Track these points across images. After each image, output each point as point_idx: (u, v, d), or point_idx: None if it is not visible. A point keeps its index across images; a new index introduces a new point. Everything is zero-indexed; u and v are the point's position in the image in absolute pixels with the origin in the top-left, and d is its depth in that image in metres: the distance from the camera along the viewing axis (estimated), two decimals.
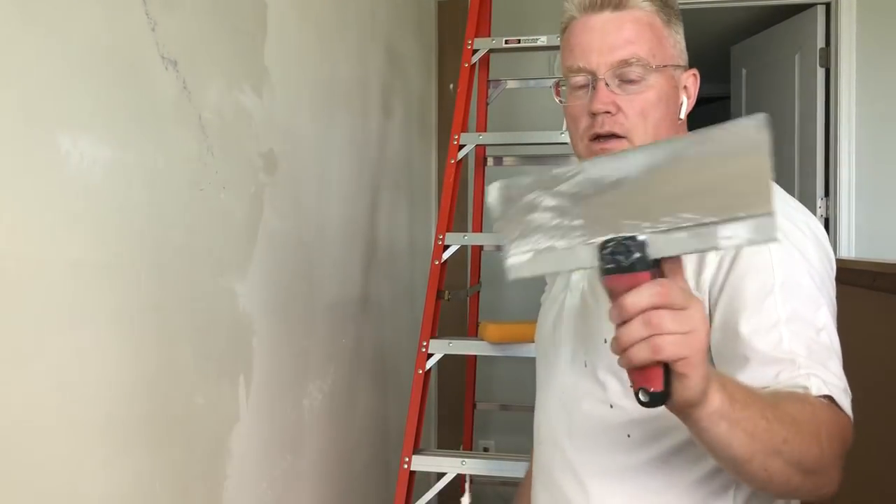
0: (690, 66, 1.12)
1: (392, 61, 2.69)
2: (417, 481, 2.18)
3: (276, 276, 1.75)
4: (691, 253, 0.71)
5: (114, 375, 1.20)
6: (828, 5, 3.40)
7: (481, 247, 2.71)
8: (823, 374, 0.90)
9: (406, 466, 2.09)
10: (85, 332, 1.14)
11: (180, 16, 1.37)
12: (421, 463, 2.10)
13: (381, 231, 2.55)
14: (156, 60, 1.31)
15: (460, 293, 2.70)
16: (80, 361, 1.13)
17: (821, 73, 3.43)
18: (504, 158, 2.86)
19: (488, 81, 2.64)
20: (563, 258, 0.77)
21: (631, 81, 1.04)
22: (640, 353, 0.70)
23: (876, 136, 3.27)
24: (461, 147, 2.30)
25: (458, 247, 2.24)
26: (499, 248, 2.82)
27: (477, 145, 2.46)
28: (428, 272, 2.26)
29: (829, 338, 0.95)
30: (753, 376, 0.91)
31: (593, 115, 1.05)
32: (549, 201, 0.78)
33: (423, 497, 2.12)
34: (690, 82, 1.11)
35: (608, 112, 1.04)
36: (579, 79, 1.07)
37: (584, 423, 1.07)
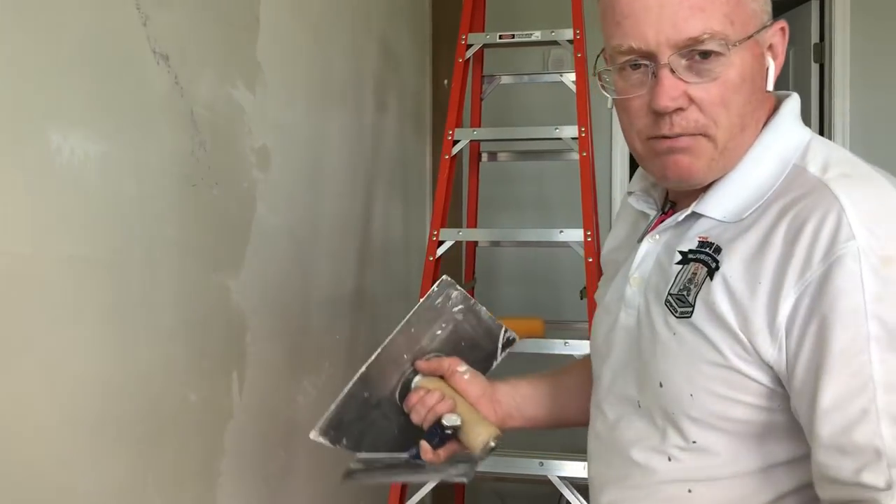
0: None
1: (386, 56, 2.68)
2: None
3: (270, 272, 1.74)
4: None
5: (106, 372, 1.20)
6: (822, 0, 3.40)
7: (476, 242, 2.71)
8: None
9: None
10: (76, 328, 1.13)
11: (172, 10, 1.36)
12: None
13: (375, 227, 2.54)
14: (147, 55, 1.30)
15: None
16: (71, 358, 1.12)
17: (815, 68, 3.43)
18: (498, 154, 2.86)
19: (482, 77, 2.64)
20: None
21: (704, 57, 0.79)
22: None
23: (870, 132, 3.28)
24: (455, 142, 2.29)
25: (452, 242, 2.24)
26: (494, 243, 2.82)
27: (471, 141, 2.45)
28: (422, 268, 2.25)
29: None
30: (827, 464, 0.74)
31: (658, 113, 0.80)
32: None
33: (418, 493, 2.12)
34: (777, 39, 0.85)
35: (679, 109, 0.80)
36: (632, 59, 0.81)
37: (637, 474, 0.87)
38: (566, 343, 2.07)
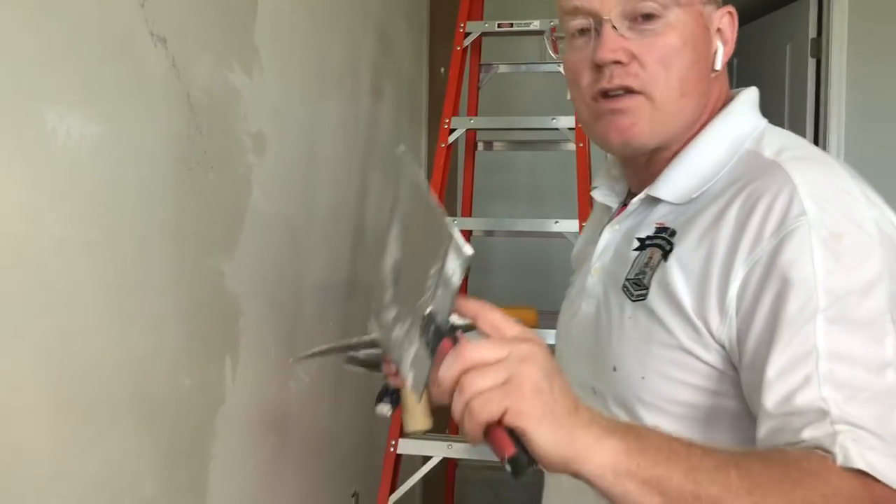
0: None
1: (383, 44, 2.67)
2: (403, 464, 2.18)
3: (264, 257, 1.74)
4: (450, 301, 0.64)
5: (99, 355, 1.19)
6: None
7: (470, 232, 2.71)
8: (866, 433, 0.67)
9: (392, 449, 2.10)
10: (70, 311, 1.13)
11: None
12: (407, 446, 2.11)
13: (369, 214, 2.54)
14: (145, 37, 1.29)
15: None
16: (64, 341, 1.12)
17: (812, 63, 3.44)
18: (494, 143, 2.85)
19: (480, 65, 2.63)
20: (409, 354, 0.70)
21: (646, 19, 0.83)
22: (467, 424, 0.61)
23: (866, 128, 3.29)
24: (452, 131, 2.29)
25: None
26: (488, 233, 2.82)
27: (468, 129, 2.45)
28: None
29: None
30: (772, 427, 0.73)
31: (599, 67, 0.84)
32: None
33: (410, 480, 2.12)
34: (726, 23, 0.88)
35: (618, 62, 0.83)
36: (578, 22, 0.85)
37: None
38: None
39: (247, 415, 1.67)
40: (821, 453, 0.68)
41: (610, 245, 0.92)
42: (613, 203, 0.98)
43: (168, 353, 1.38)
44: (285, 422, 1.89)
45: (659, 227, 0.85)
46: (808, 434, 0.69)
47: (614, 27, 0.82)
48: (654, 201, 0.88)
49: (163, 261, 1.35)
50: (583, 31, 0.85)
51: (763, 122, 0.88)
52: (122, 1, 1.23)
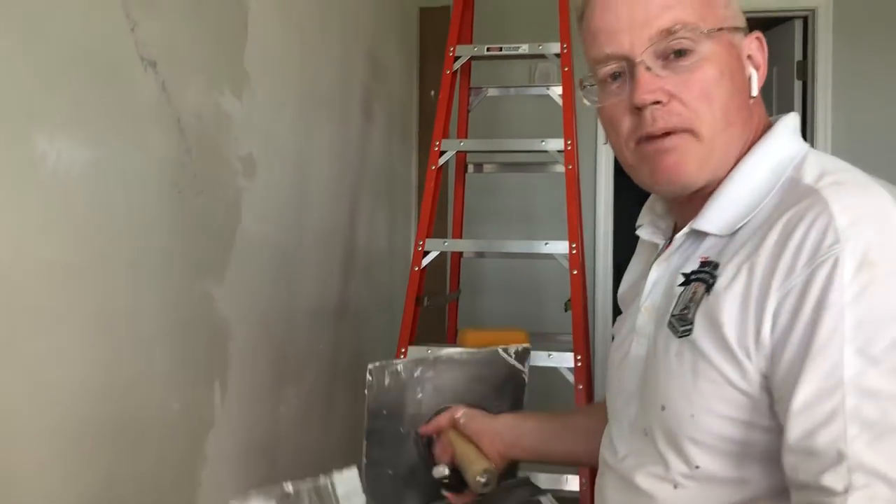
0: None
1: (374, 67, 2.69)
2: None
3: (254, 280, 1.74)
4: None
5: (88, 379, 1.19)
6: (805, 19, 3.44)
7: (461, 253, 2.71)
8: (883, 486, 0.67)
9: None
10: (59, 334, 1.13)
11: (160, 17, 1.36)
12: None
13: (360, 236, 2.54)
14: (135, 61, 1.29)
15: (439, 300, 2.69)
16: (53, 364, 1.12)
17: (798, 85, 3.47)
18: (485, 165, 2.86)
19: (469, 88, 2.65)
20: None
21: (679, 56, 0.81)
22: None
23: (852, 148, 3.32)
24: (442, 153, 2.30)
25: (437, 253, 2.24)
26: (479, 254, 2.82)
27: (458, 152, 2.46)
28: (407, 278, 2.25)
29: None
30: (794, 467, 0.72)
31: (638, 109, 0.82)
32: None
33: None
34: (755, 48, 0.88)
35: (658, 102, 0.81)
36: (610, 67, 0.84)
37: (643, 502, 0.85)
38: (550, 355, 2.08)
39: (236, 439, 1.66)
40: None
41: (659, 282, 0.90)
42: (660, 240, 0.96)
43: (157, 377, 1.37)
44: (275, 446, 1.88)
45: (703, 262, 0.83)
46: (826, 481, 0.68)
47: (648, 68, 0.81)
48: (700, 235, 0.86)
49: (152, 284, 1.35)
50: (615, 76, 0.84)
51: (805, 146, 0.86)
52: (113, 25, 1.24)
